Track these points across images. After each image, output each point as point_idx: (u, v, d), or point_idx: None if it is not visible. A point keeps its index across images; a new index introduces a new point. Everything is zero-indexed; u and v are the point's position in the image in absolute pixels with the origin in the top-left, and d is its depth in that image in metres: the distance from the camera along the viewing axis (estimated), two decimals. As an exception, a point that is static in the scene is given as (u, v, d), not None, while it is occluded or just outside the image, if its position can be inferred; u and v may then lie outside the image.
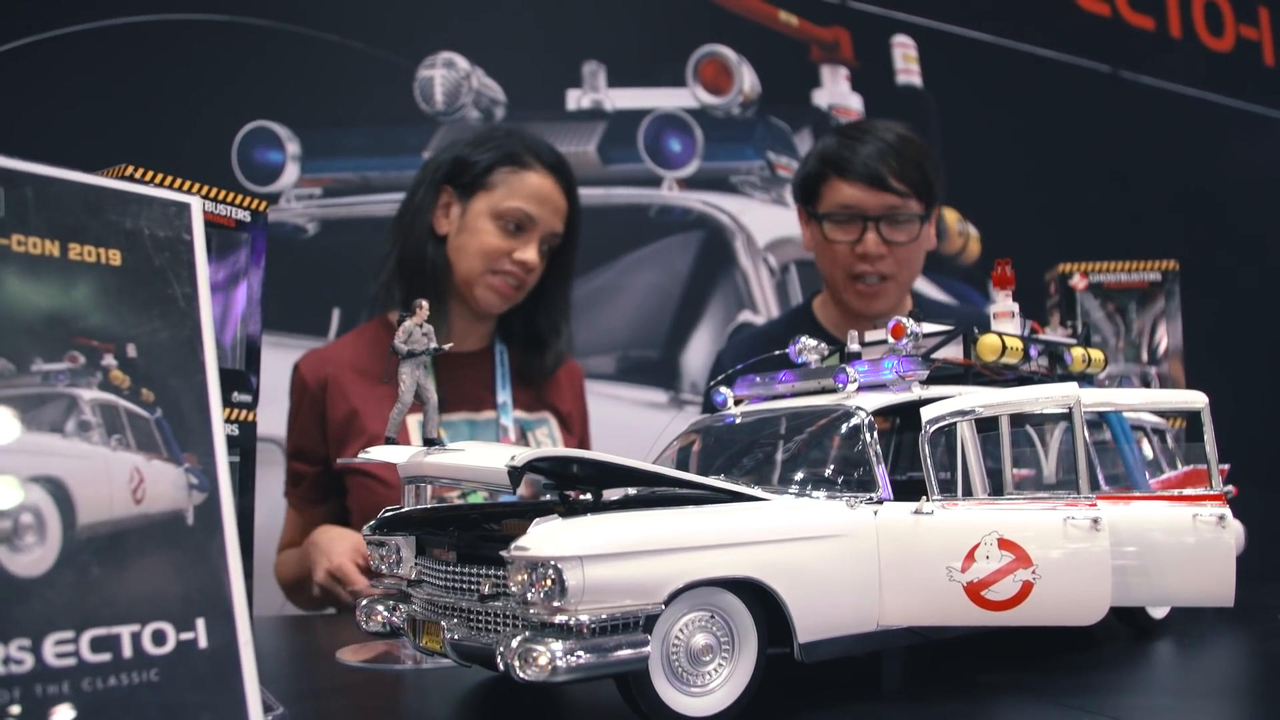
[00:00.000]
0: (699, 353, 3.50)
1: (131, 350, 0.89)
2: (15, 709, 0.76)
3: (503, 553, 1.02)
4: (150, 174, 1.64)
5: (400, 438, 1.32)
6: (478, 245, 2.25)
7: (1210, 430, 1.46)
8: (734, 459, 1.47)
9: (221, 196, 1.77)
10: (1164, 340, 2.34)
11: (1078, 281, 2.34)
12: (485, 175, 2.26)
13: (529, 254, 2.26)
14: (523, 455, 1.02)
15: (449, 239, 2.28)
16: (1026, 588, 1.22)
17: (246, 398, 1.79)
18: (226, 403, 1.75)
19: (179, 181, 1.70)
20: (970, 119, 3.92)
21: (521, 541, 1.00)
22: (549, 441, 2.37)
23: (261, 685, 1.03)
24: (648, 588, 1.02)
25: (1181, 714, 1.20)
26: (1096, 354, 1.69)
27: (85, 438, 0.85)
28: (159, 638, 0.83)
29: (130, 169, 1.61)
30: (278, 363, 2.51)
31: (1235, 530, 1.82)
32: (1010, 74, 4.03)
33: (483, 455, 1.10)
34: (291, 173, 3.09)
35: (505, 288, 2.27)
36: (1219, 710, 1.26)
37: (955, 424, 1.29)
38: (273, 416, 2.56)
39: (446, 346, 1.49)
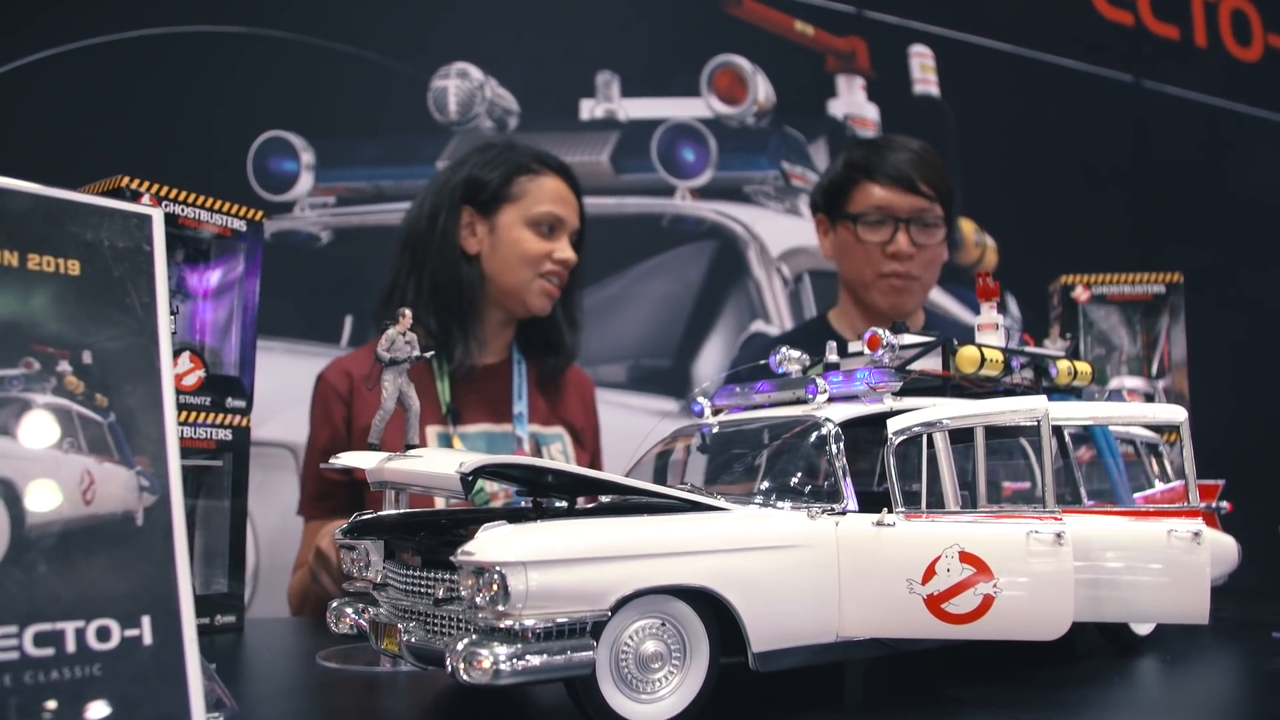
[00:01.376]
0: (711, 362, 3.51)
1: (87, 357, 0.93)
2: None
3: (452, 557, 1.04)
4: (142, 184, 1.70)
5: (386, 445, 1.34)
6: (520, 253, 2.30)
7: (1189, 446, 1.45)
8: (708, 468, 1.49)
9: (218, 206, 1.82)
10: (1168, 353, 2.32)
11: (1080, 293, 2.33)
12: (505, 188, 2.31)
13: (568, 252, 2.34)
14: (470, 462, 1.04)
15: (484, 257, 2.32)
16: (987, 601, 1.22)
17: (241, 403, 1.84)
18: (221, 408, 1.80)
19: (174, 191, 1.75)
20: (988, 129, 3.90)
21: (468, 546, 1.02)
22: (561, 458, 2.39)
23: (220, 682, 1.06)
24: (593, 594, 1.03)
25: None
26: (1083, 367, 1.68)
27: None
28: (103, 634, 0.86)
29: (124, 180, 1.67)
30: (291, 369, 2.56)
31: (1224, 546, 1.81)
32: (1030, 84, 4.01)
33: (438, 461, 1.12)
34: (306, 182, 3.14)
35: (552, 288, 2.35)
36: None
37: (921, 436, 1.30)
38: (286, 422, 2.60)
39: (429, 354, 1.52)
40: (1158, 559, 1.39)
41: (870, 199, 2.53)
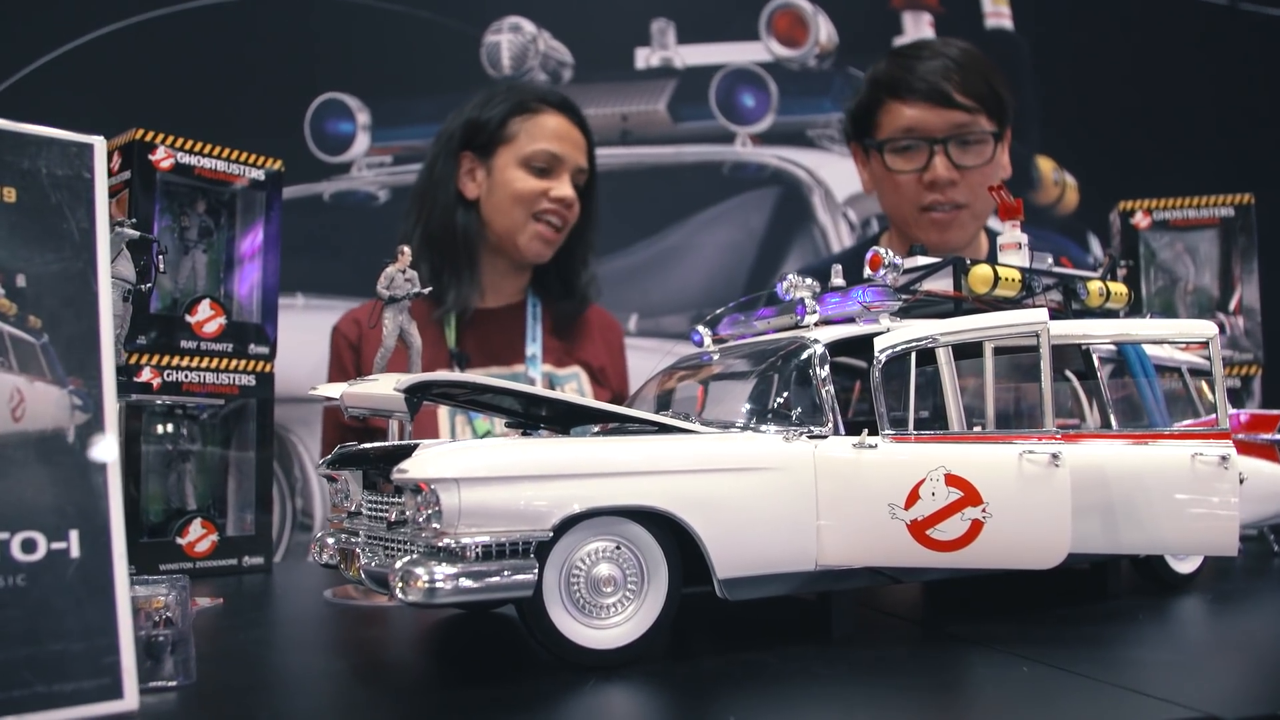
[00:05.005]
0: (775, 311, 3.44)
1: (21, 280, 0.94)
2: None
3: (393, 476, 1.03)
4: (157, 135, 1.74)
5: None
6: (513, 193, 2.28)
7: (1219, 364, 1.33)
8: (707, 396, 1.45)
9: (237, 157, 1.85)
10: (1239, 281, 2.16)
11: (1140, 219, 2.18)
12: (501, 129, 2.30)
13: (565, 190, 2.30)
14: (405, 380, 1.03)
15: (482, 201, 2.32)
16: (976, 527, 1.15)
17: (264, 349, 1.87)
18: (243, 354, 1.83)
19: (190, 143, 1.79)
20: (1067, 62, 3.68)
21: (404, 464, 1.01)
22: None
23: (199, 608, 1.08)
24: (534, 514, 1.01)
25: (1145, 669, 1.10)
26: (1118, 288, 1.57)
27: (-35, 359, 0.90)
28: (29, 545, 0.88)
29: (139, 132, 1.72)
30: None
31: (1263, 473, 1.67)
32: (1112, 11, 3.76)
33: (387, 384, 1.11)
34: (362, 142, 3.18)
35: (549, 232, 2.31)
36: (1191, 666, 1.15)
37: (910, 354, 1.23)
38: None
39: (426, 290, 1.52)
40: (1181, 486, 1.29)
41: (898, 121, 2.22)
